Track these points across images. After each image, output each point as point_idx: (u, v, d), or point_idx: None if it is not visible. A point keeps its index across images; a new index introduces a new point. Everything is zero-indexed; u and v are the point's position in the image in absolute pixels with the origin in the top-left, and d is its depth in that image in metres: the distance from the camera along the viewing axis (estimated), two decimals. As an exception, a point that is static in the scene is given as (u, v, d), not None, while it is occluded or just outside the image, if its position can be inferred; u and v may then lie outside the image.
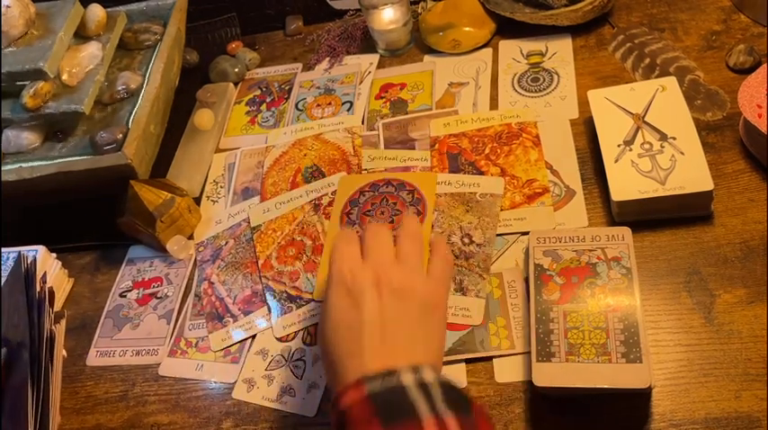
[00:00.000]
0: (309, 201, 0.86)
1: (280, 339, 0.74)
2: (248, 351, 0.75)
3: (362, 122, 0.94)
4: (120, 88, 0.92)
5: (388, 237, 0.59)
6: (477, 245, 0.75)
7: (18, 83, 0.88)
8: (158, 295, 0.83)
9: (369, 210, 0.82)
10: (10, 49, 0.88)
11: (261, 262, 0.81)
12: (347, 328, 0.53)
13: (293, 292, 0.78)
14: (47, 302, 0.72)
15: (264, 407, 0.70)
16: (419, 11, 1.05)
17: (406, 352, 0.52)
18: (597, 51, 0.93)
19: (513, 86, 0.92)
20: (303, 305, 0.76)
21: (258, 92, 1.05)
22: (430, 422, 0.43)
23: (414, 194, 0.82)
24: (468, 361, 0.68)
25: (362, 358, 0.50)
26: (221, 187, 0.93)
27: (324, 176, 0.88)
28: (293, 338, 0.74)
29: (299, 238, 0.82)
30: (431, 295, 0.56)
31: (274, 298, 0.78)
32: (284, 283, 0.78)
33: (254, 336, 0.75)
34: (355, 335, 0.52)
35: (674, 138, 0.74)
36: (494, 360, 0.67)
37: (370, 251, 0.58)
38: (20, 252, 0.80)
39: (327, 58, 1.06)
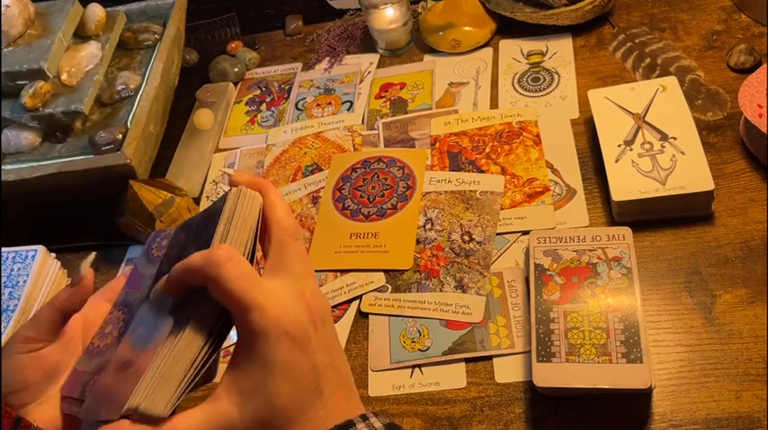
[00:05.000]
0: (308, 193, 0.86)
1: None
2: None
3: (362, 122, 0.94)
4: (119, 88, 0.91)
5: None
6: (478, 242, 0.75)
7: (17, 83, 0.87)
8: (158, 295, 0.83)
9: (360, 186, 0.84)
10: (9, 48, 0.88)
11: (259, 254, 0.81)
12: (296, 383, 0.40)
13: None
14: None
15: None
16: (419, 10, 1.05)
17: (346, 391, 0.43)
18: (597, 51, 0.93)
19: (514, 86, 0.92)
20: None
21: (258, 91, 1.05)
22: None
23: (404, 170, 0.84)
24: (467, 360, 0.67)
25: (317, 412, 0.40)
26: (221, 187, 0.93)
27: (324, 176, 0.89)
28: None
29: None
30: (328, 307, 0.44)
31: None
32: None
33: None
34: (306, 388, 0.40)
35: (675, 138, 0.74)
36: (494, 360, 0.67)
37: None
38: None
39: (327, 58, 1.06)
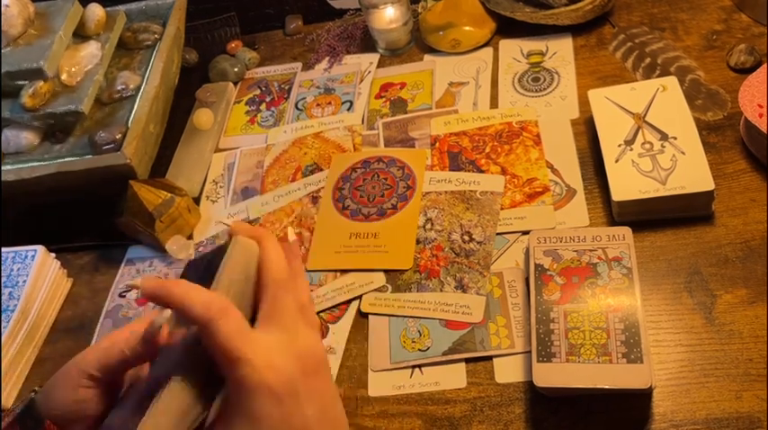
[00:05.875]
0: (307, 193, 0.86)
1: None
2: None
3: (362, 122, 0.94)
4: (119, 88, 0.91)
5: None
6: (478, 242, 0.75)
7: (17, 82, 0.87)
8: (158, 295, 0.83)
9: (360, 186, 0.83)
10: (9, 48, 0.88)
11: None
12: None
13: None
14: None
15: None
16: (419, 10, 1.05)
17: None
18: (598, 51, 0.93)
19: (514, 86, 0.92)
20: None
21: (258, 91, 1.05)
22: None
23: (404, 170, 0.84)
24: (467, 360, 0.67)
25: None
26: (221, 187, 0.93)
27: (324, 176, 0.89)
28: None
29: (297, 231, 0.83)
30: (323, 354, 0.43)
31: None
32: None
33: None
34: None
35: (675, 138, 0.74)
36: (494, 360, 0.67)
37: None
38: None
39: (327, 58, 1.06)
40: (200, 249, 0.85)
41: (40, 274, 0.83)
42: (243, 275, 0.42)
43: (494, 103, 0.91)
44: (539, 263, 0.67)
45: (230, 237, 0.43)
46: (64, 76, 0.89)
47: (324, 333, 0.73)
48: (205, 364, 0.40)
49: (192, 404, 0.39)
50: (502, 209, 0.78)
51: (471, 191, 0.80)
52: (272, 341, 0.40)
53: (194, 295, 0.39)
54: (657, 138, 0.74)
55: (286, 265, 0.43)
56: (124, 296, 0.84)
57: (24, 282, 0.81)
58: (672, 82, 0.79)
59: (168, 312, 0.42)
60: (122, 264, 0.87)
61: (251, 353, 0.38)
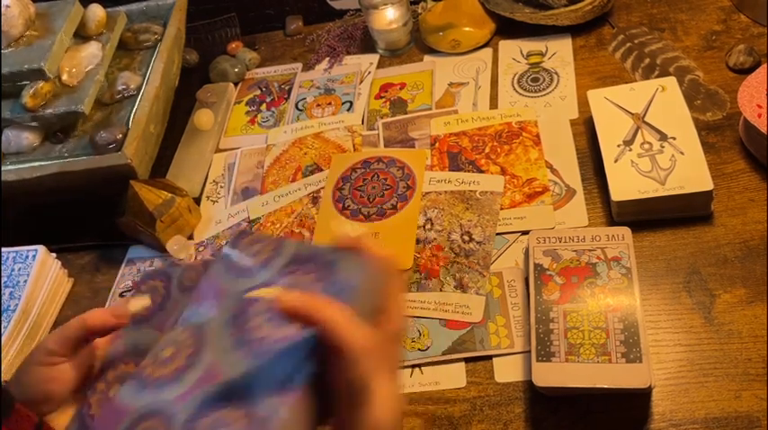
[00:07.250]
0: (307, 194, 0.86)
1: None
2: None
3: (362, 122, 0.94)
4: (119, 88, 0.92)
5: None
6: (477, 242, 0.75)
7: (18, 83, 0.88)
8: (158, 295, 0.83)
9: (360, 186, 0.84)
10: (10, 49, 0.88)
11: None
12: None
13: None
14: None
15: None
16: (419, 11, 1.05)
17: None
18: (597, 51, 0.93)
19: (513, 86, 0.92)
20: None
21: (258, 92, 1.05)
22: None
23: (404, 170, 0.84)
24: (467, 360, 0.68)
25: None
26: (221, 187, 0.93)
27: (324, 176, 0.89)
28: None
29: (297, 230, 0.83)
30: None
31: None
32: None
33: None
34: None
35: (674, 138, 0.74)
36: (494, 359, 0.67)
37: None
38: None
39: (327, 58, 1.06)
40: (201, 249, 0.86)
41: (40, 274, 0.83)
42: (370, 302, 0.40)
43: (493, 103, 0.91)
44: (538, 262, 0.68)
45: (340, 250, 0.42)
46: (65, 77, 0.89)
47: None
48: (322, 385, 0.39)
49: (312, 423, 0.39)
50: (501, 209, 0.78)
51: (471, 191, 0.80)
52: (392, 392, 0.41)
53: (352, 328, 0.38)
54: (657, 138, 0.74)
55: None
56: (125, 296, 0.84)
57: (25, 281, 0.82)
58: (671, 82, 0.79)
59: (147, 302, 0.41)
60: (123, 264, 0.88)
61: (385, 402, 0.39)
